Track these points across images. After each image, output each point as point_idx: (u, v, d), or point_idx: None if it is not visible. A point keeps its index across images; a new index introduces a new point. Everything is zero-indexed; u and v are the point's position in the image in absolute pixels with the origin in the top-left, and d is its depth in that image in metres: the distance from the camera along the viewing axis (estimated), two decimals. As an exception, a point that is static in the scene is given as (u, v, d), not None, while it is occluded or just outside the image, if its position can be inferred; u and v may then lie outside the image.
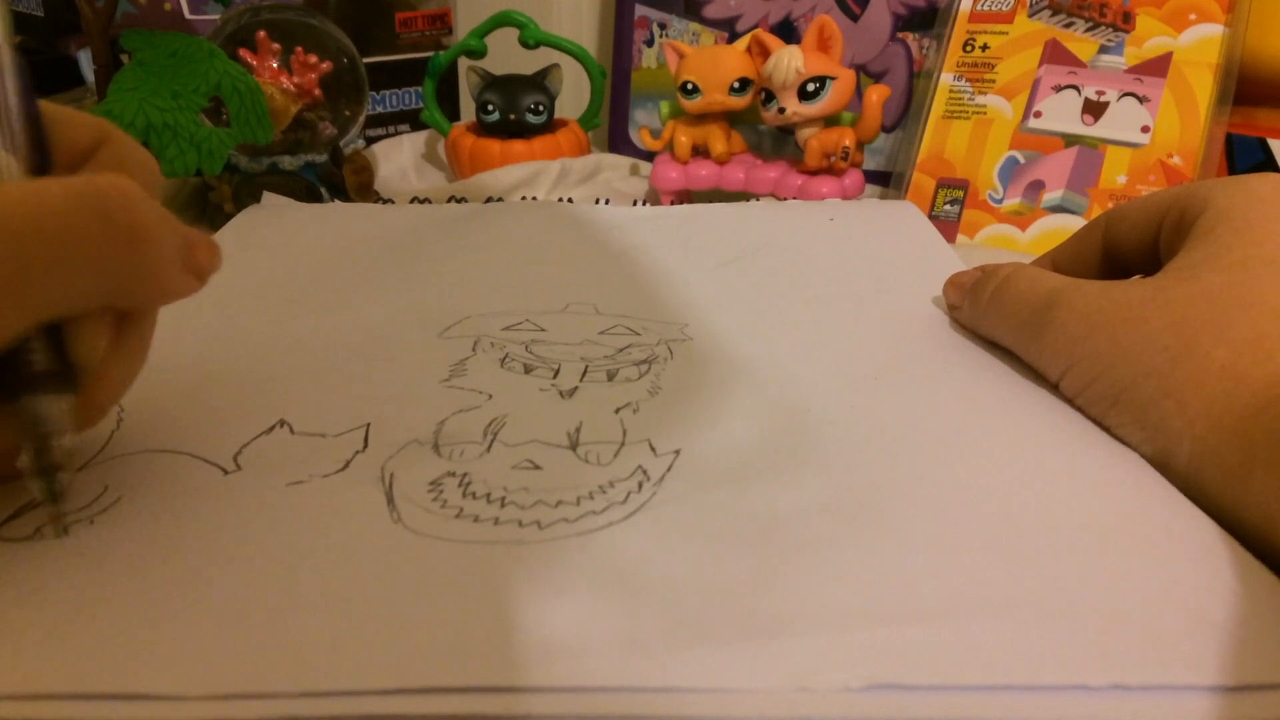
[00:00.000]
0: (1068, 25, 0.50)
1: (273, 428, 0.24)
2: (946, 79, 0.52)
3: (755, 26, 0.61)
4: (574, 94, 0.68)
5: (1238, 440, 0.21)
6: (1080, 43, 0.50)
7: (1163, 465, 0.23)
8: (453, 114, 0.67)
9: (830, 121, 0.50)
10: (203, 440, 0.24)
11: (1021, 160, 0.49)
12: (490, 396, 0.26)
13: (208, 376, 0.28)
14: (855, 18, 0.59)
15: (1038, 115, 0.50)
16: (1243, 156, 0.49)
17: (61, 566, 0.19)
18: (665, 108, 0.55)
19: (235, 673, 0.16)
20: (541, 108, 0.57)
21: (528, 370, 0.28)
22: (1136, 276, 0.28)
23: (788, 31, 0.61)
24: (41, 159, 0.19)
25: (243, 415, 0.25)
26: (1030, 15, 0.51)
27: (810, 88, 0.48)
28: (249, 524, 0.20)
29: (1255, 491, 0.20)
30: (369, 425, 0.24)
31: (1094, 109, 0.49)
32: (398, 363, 0.29)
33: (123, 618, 0.17)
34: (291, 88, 0.50)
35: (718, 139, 0.53)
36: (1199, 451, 0.22)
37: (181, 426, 0.24)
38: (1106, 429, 0.24)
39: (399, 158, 0.64)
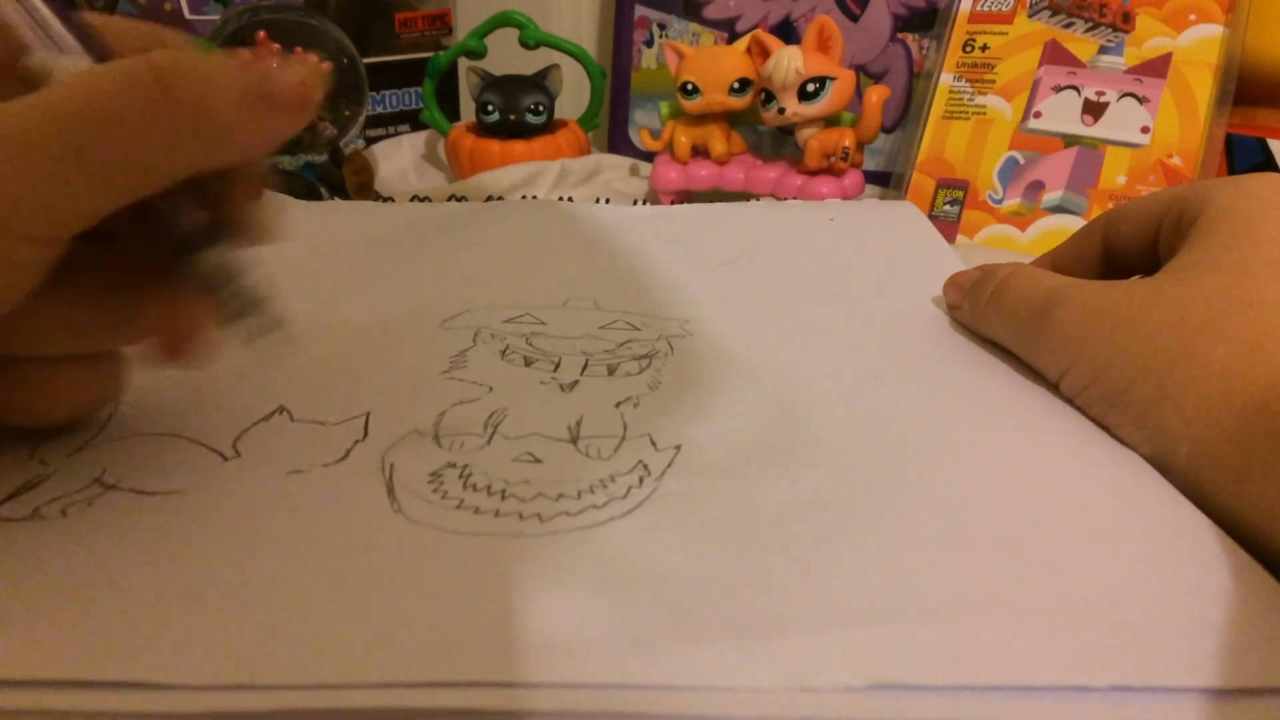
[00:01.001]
0: (1067, 25, 0.50)
1: (272, 414, 0.24)
2: (946, 79, 0.52)
3: (755, 27, 0.61)
4: (574, 94, 0.68)
5: (1236, 441, 0.21)
6: (1080, 43, 0.50)
7: (1162, 466, 0.23)
8: (452, 114, 0.67)
9: (830, 122, 0.50)
10: (202, 425, 0.24)
11: (1021, 161, 0.49)
12: (490, 388, 0.26)
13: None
14: (855, 18, 0.59)
15: (1037, 116, 0.50)
16: (1242, 157, 0.49)
17: (58, 549, 0.19)
18: (665, 108, 0.55)
19: (232, 663, 0.16)
20: (541, 108, 0.57)
21: (528, 363, 0.28)
22: (1136, 277, 0.28)
23: (787, 32, 0.61)
24: (100, 55, 0.19)
25: (242, 401, 0.25)
26: (1030, 16, 0.51)
27: (810, 88, 0.48)
28: (248, 511, 0.20)
29: (1253, 492, 0.20)
30: (369, 414, 0.24)
31: (1094, 109, 0.49)
32: (398, 353, 0.29)
33: (119, 603, 0.17)
34: (291, 87, 0.50)
35: (717, 139, 0.53)
36: (1197, 452, 0.22)
37: (181, 411, 0.24)
38: (1106, 429, 0.24)
39: (399, 158, 0.64)
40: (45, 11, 0.19)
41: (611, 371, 0.27)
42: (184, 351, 0.21)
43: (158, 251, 0.20)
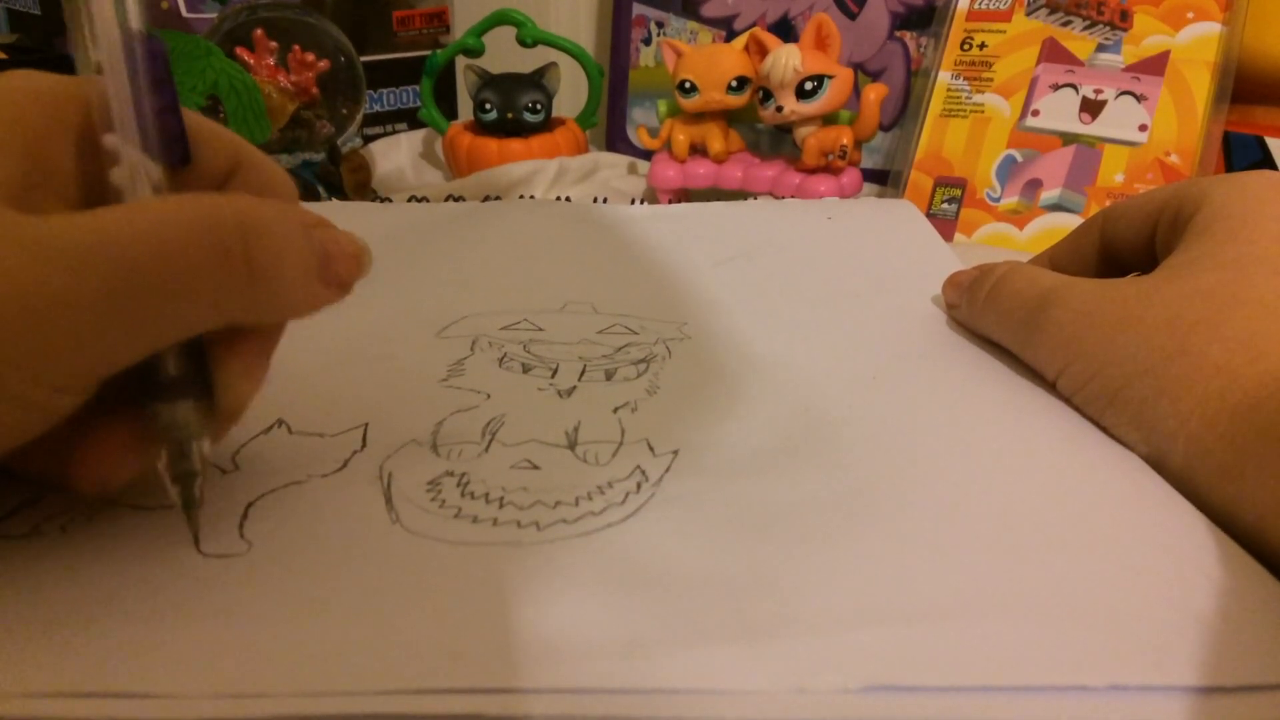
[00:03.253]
0: (1065, 24, 0.50)
1: (271, 427, 0.24)
2: (944, 77, 0.52)
3: (753, 25, 0.61)
4: (571, 93, 0.68)
5: (1230, 439, 0.21)
6: (1078, 41, 0.50)
7: (1159, 464, 0.23)
8: (450, 112, 0.67)
9: (828, 120, 0.50)
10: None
11: (1019, 159, 0.49)
12: (488, 396, 0.26)
13: None
14: (853, 16, 0.59)
15: (1035, 114, 0.50)
16: (1240, 155, 0.49)
17: (57, 564, 0.19)
18: (663, 106, 0.55)
19: (232, 672, 0.16)
20: (539, 106, 0.57)
21: (526, 370, 0.28)
22: (1133, 274, 0.28)
23: (785, 30, 0.61)
24: (181, 155, 0.19)
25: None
26: (1028, 14, 0.51)
27: (808, 86, 0.48)
28: (246, 524, 0.20)
29: (1247, 490, 0.20)
30: (367, 425, 0.24)
31: (1091, 107, 0.49)
32: (395, 362, 0.29)
33: (119, 616, 0.17)
34: (289, 86, 0.50)
35: (715, 138, 0.53)
36: (1193, 450, 0.22)
37: None
38: (1103, 428, 0.24)
39: (396, 156, 0.64)
40: (128, 99, 0.18)
41: (609, 377, 0.27)
42: (100, 485, 0.19)
43: (127, 388, 0.18)
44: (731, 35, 0.62)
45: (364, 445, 0.24)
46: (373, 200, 0.52)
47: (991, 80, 0.51)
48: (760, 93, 0.50)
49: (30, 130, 0.18)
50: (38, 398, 0.16)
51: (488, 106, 0.57)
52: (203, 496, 0.19)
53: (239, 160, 0.21)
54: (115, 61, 0.18)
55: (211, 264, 0.17)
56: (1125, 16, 0.49)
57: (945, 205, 0.50)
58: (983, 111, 0.51)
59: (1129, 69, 0.48)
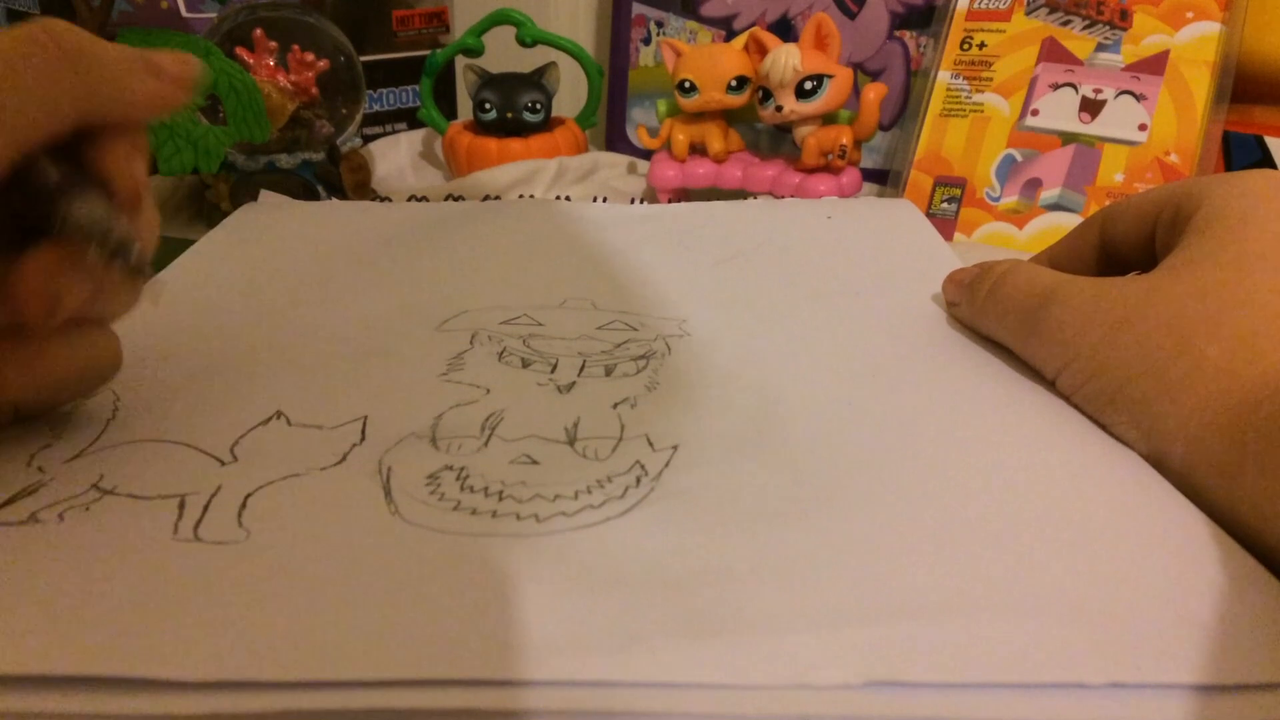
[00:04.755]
0: (1065, 23, 0.50)
1: (269, 419, 0.24)
2: (944, 77, 0.52)
3: (753, 24, 0.61)
4: (571, 92, 0.68)
5: (1230, 438, 0.21)
6: (1077, 40, 0.50)
7: (1158, 463, 0.23)
8: (450, 112, 0.67)
9: (828, 119, 0.50)
10: (199, 431, 0.24)
11: (1019, 158, 0.49)
12: (488, 391, 0.26)
13: (204, 369, 0.28)
14: (853, 16, 0.59)
15: (1035, 113, 0.50)
16: (1240, 154, 0.49)
17: (55, 551, 0.19)
18: (662, 106, 0.55)
19: (229, 661, 0.16)
20: (539, 106, 0.57)
21: (525, 364, 0.28)
22: (1133, 273, 0.28)
23: (785, 29, 0.61)
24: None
25: (239, 407, 0.25)
26: (1027, 13, 0.51)
27: (808, 86, 0.48)
28: (245, 513, 0.20)
29: (1246, 488, 0.20)
30: (366, 418, 0.24)
31: (1091, 107, 0.49)
32: (395, 356, 0.29)
33: (116, 605, 0.17)
34: (288, 86, 0.50)
35: (715, 137, 0.53)
36: (1192, 449, 0.22)
37: (178, 417, 0.24)
38: (1103, 427, 0.24)
39: (396, 156, 0.64)
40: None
41: (609, 372, 0.27)
42: (50, 301, 0.21)
43: (27, 214, 0.21)
44: (731, 35, 0.62)
45: (363, 438, 0.24)
46: (372, 200, 0.52)
47: (991, 80, 0.51)
48: (760, 92, 0.50)
49: None
50: None
51: (487, 106, 0.57)
52: (145, 263, 0.22)
53: None
54: None
55: (26, 52, 0.20)
56: (1125, 16, 0.49)
57: (945, 205, 0.50)
58: (982, 111, 0.51)
59: (1128, 68, 0.48)
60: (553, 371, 0.27)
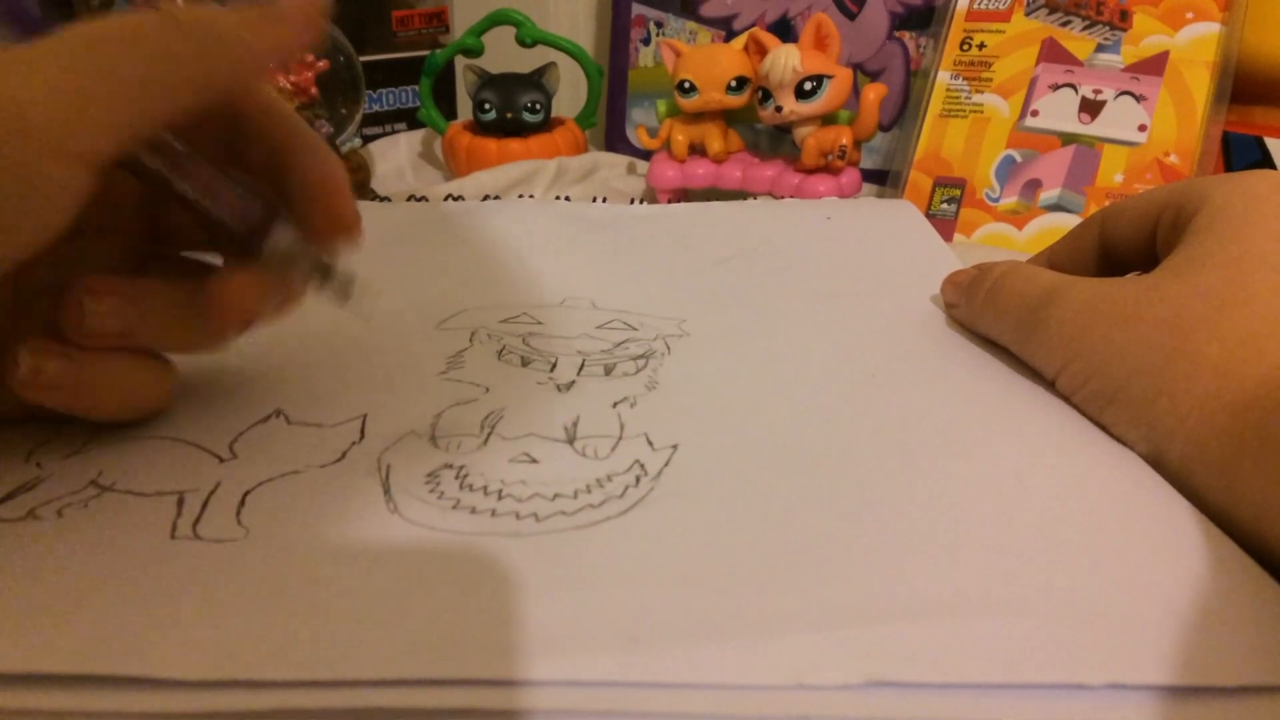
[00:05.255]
0: (1064, 24, 0.50)
1: (269, 417, 0.24)
2: (943, 77, 0.52)
3: (752, 25, 0.61)
4: (571, 93, 0.68)
5: (1228, 437, 0.21)
6: (1077, 41, 0.50)
7: (1158, 463, 0.23)
8: (449, 113, 0.67)
9: (827, 120, 0.50)
10: (198, 428, 0.24)
11: (1018, 159, 0.49)
12: (487, 389, 0.26)
13: (204, 366, 0.27)
14: (852, 16, 0.59)
15: (1035, 114, 0.50)
16: (1239, 155, 0.49)
17: (53, 547, 0.19)
18: (662, 106, 0.55)
19: (228, 659, 0.16)
20: (538, 106, 0.57)
21: (525, 363, 0.28)
22: (1132, 273, 0.28)
23: (785, 30, 0.61)
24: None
25: (239, 404, 0.25)
26: (1027, 14, 0.51)
27: (807, 86, 0.48)
28: (243, 511, 0.20)
29: (1243, 487, 0.20)
30: (365, 416, 0.24)
31: (1091, 108, 0.49)
32: (394, 354, 0.29)
33: (115, 602, 0.17)
34: (287, 86, 0.50)
35: (715, 138, 0.53)
36: (1191, 449, 0.22)
37: (177, 414, 0.24)
38: (1103, 427, 0.24)
39: (395, 156, 0.64)
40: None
41: (608, 371, 0.27)
42: (246, 318, 0.23)
43: (228, 246, 0.22)
44: (731, 35, 0.62)
45: (362, 436, 0.24)
46: (372, 200, 0.52)
47: (991, 80, 0.51)
48: (759, 93, 0.50)
49: None
50: (58, 172, 0.18)
51: (487, 106, 0.57)
52: (350, 281, 0.23)
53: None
54: None
55: (138, 26, 0.19)
56: (1124, 16, 0.49)
57: (944, 205, 0.50)
58: (982, 111, 0.51)
59: (1128, 69, 0.48)
60: (552, 370, 0.27)
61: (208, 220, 0.22)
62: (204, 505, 0.21)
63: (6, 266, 0.19)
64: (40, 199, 0.18)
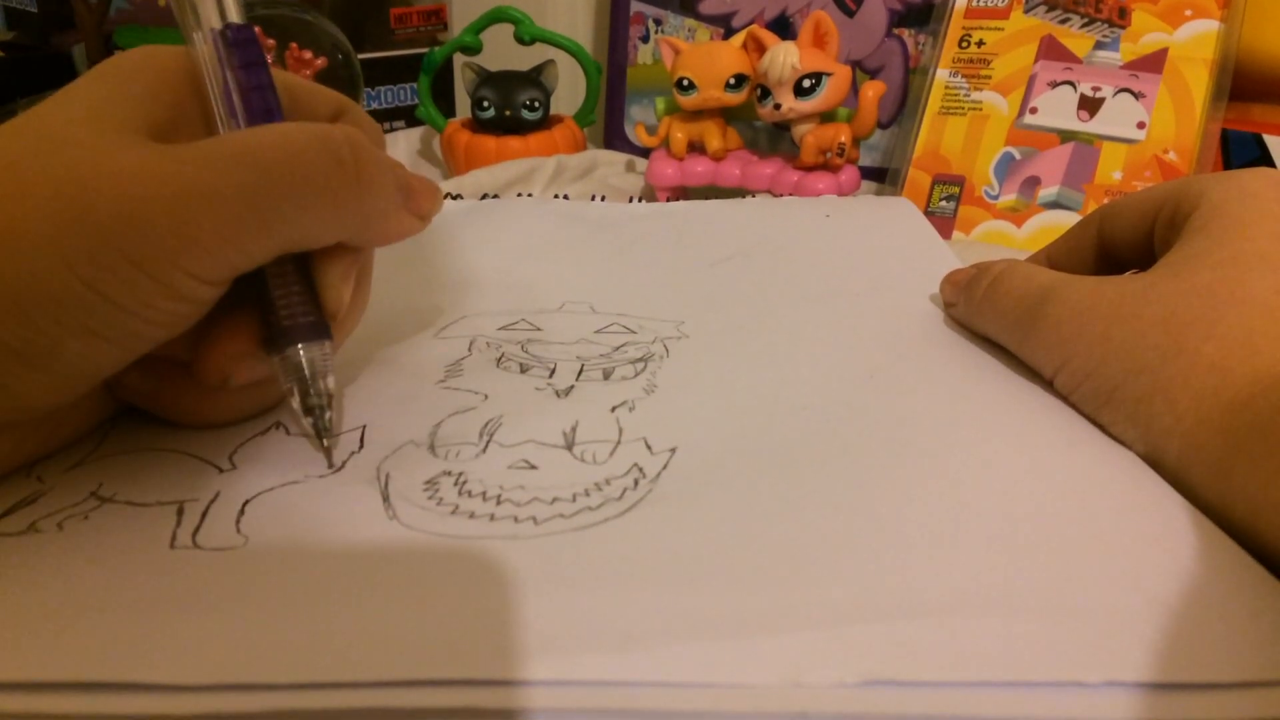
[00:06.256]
0: (1063, 21, 0.50)
1: (268, 429, 0.24)
2: (942, 75, 0.52)
3: (751, 22, 0.61)
4: (569, 90, 0.68)
5: (1224, 435, 0.21)
6: (1076, 38, 0.50)
7: (1155, 462, 0.23)
8: (448, 110, 0.67)
9: (826, 117, 0.50)
10: (198, 440, 0.24)
11: (1017, 156, 0.49)
12: (486, 397, 0.26)
13: None
14: (851, 14, 0.59)
15: (1033, 111, 0.50)
16: (1238, 152, 0.49)
17: (54, 559, 0.19)
18: (661, 104, 0.55)
19: (229, 663, 0.16)
20: (537, 104, 0.57)
21: (524, 370, 0.28)
22: (1130, 272, 0.28)
23: (783, 27, 0.61)
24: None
25: None
26: (1026, 11, 0.51)
27: (806, 84, 0.48)
28: (243, 520, 0.20)
29: (1238, 485, 0.20)
30: (364, 426, 0.24)
31: (1090, 105, 0.49)
32: (393, 364, 0.28)
33: (116, 613, 0.17)
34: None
35: (713, 135, 0.53)
36: (1187, 447, 0.22)
37: (177, 427, 0.24)
38: (1100, 426, 0.24)
39: (394, 154, 0.63)
40: (231, 79, 0.21)
41: (607, 376, 0.27)
42: (222, 377, 0.23)
43: (259, 330, 0.22)
44: (729, 33, 0.62)
45: (361, 446, 0.24)
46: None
47: (989, 78, 0.51)
48: (758, 90, 0.50)
49: (173, 87, 0.21)
50: (189, 288, 0.19)
51: (485, 104, 0.57)
52: (333, 425, 0.23)
53: (341, 109, 0.24)
54: (207, 49, 0.21)
55: (328, 168, 0.20)
56: (1123, 14, 0.49)
57: (943, 203, 0.50)
58: (981, 109, 0.51)
59: (1127, 66, 0.48)
60: (551, 376, 0.27)
61: (266, 313, 0.22)
62: (203, 515, 0.21)
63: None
64: (175, 304, 0.19)
